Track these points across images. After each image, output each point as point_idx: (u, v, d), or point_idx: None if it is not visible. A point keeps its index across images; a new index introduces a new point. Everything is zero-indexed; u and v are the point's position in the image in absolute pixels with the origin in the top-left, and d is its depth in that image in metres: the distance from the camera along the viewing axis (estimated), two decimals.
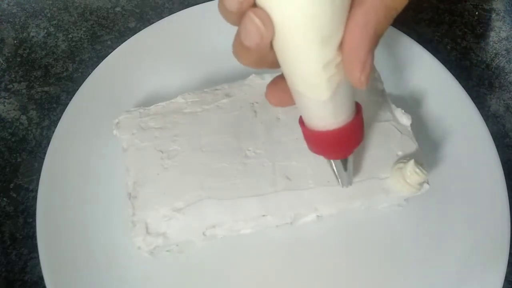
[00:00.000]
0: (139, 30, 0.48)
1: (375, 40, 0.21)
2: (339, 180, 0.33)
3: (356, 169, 0.36)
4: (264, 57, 0.22)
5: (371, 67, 0.21)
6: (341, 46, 0.21)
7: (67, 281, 0.36)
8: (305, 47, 0.21)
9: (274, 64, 0.23)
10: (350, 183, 0.34)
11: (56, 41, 0.52)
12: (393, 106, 0.40)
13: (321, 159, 0.37)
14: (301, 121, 0.28)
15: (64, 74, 0.49)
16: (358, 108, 0.28)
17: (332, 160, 0.31)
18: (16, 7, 0.54)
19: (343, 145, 0.28)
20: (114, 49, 0.46)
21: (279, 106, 0.27)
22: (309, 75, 0.22)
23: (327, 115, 0.25)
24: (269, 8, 0.20)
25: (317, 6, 0.19)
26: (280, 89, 0.25)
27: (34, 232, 0.38)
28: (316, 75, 0.22)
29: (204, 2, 0.49)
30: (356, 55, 0.21)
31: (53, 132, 0.42)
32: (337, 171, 0.32)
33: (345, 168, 0.32)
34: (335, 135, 0.26)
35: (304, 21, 0.20)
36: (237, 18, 0.21)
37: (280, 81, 0.25)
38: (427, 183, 0.36)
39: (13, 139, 0.46)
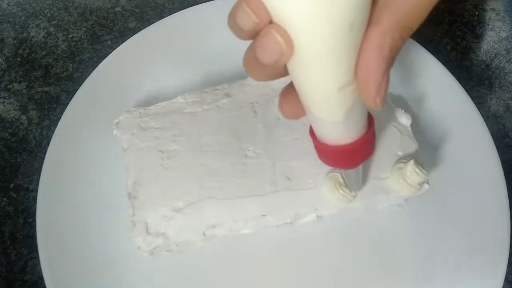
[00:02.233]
0: (139, 30, 0.48)
1: (390, 61, 0.21)
2: (349, 186, 0.33)
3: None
4: (278, 73, 0.22)
5: (386, 88, 0.21)
6: (356, 68, 0.21)
7: (67, 281, 0.36)
8: (321, 71, 0.20)
9: (285, 74, 0.22)
10: (359, 188, 0.34)
11: (56, 41, 0.52)
12: (393, 106, 0.40)
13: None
14: (312, 133, 0.27)
15: (64, 74, 0.49)
16: (370, 121, 0.27)
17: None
18: (16, 7, 0.54)
19: (354, 158, 0.28)
20: (114, 49, 0.46)
21: (292, 118, 0.26)
22: (323, 97, 0.22)
23: (339, 133, 0.25)
24: (291, 30, 0.19)
25: (339, 37, 0.19)
26: (293, 100, 0.24)
27: (34, 232, 0.38)
28: (331, 97, 0.22)
29: (204, 2, 0.49)
30: (371, 77, 0.20)
31: (53, 132, 0.42)
32: (347, 178, 0.32)
33: (355, 176, 0.32)
34: (346, 150, 0.26)
35: (324, 49, 0.19)
36: (248, 35, 0.20)
37: (292, 91, 0.24)
38: (427, 183, 0.36)
39: (13, 139, 0.46)
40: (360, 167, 0.31)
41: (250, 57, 0.21)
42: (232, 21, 0.20)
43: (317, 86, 0.21)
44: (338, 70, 0.20)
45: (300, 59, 0.20)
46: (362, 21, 0.19)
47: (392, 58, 0.21)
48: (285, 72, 0.22)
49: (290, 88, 0.24)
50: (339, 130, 0.25)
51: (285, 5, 0.18)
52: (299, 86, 0.22)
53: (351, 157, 0.27)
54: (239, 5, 0.19)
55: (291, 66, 0.21)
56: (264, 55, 0.20)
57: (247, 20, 0.19)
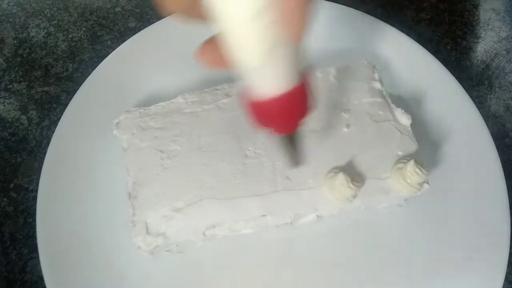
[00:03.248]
0: (139, 30, 0.48)
1: None
2: (287, 159, 0.30)
3: (356, 169, 0.36)
4: (191, 5, 0.20)
5: (309, 15, 0.19)
6: None
7: (67, 281, 0.36)
8: None
9: (204, 17, 0.20)
10: (298, 163, 0.31)
11: (56, 41, 0.52)
12: (393, 106, 0.40)
13: (320, 160, 0.37)
14: (241, 95, 0.25)
15: (64, 74, 0.49)
16: (305, 75, 0.24)
17: (281, 136, 0.28)
18: (16, 7, 0.54)
19: (285, 115, 0.25)
20: (114, 49, 0.46)
21: (211, 66, 0.24)
22: (239, 28, 0.20)
23: (263, 81, 0.23)
24: None
25: None
26: (214, 49, 0.22)
27: (34, 232, 0.38)
28: (246, 29, 0.20)
29: None
30: (293, 3, 0.18)
31: (53, 132, 0.42)
32: (284, 148, 0.29)
33: (292, 145, 0.29)
34: (275, 103, 0.24)
35: None
36: None
37: (215, 40, 0.22)
38: (427, 183, 0.36)
39: (13, 139, 0.46)
40: (299, 136, 0.28)
41: None
42: None
43: (231, 12, 0.19)
44: None
45: None
46: None
47: None
48: (199, 14, 0.20)
49: (214, 38, 0.23)
50: (263, 78, 0.23)
51: None
52: (216, 16, 0.20)
53: (281, 114, 0.25)
54: None
55: None
56: None
57: None
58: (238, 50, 0.21)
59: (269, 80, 0.23)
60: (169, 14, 0.20)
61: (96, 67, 0.45)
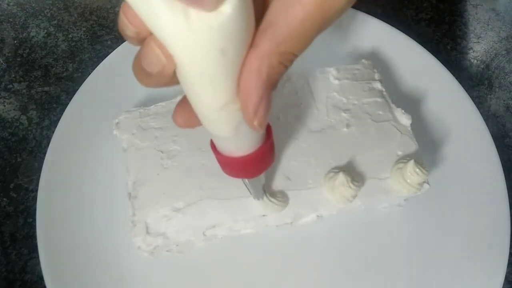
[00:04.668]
0: None
1: (270, 85, 0.20)
2: (252, 194, 0.33)
3: (356, 169, 0.36)
4: (166, 82, 0.21)
5: (265, 111, 0.21)
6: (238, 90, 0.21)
7: (67, 281, 0.36)
8: (201, 89, 0.20)
9: (177, 83, 0.22)
10: (262, 196, 0.34)
11: (56, 41, 0.52)
12: (393, 106, 0.40)
13: (320, 160, 0.37)
14: (212, 144, 0.28)
15: (64, 74, 0.49)
16: (268, 132, 0.27)
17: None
18: (16, 7, 0.54)
19: (251, 169, 0.28)
20: (114, 49, 0.46)
21: (186, 127, 0.26)
22: (207, 113, 0.22)
23: (232, 147, 0.25)
24: (166, 47, 0.18)
25: (210, 61, 0.18)
26: (188, 110, 0.24)
27: (34, 232, 0.38)
28: (214, 114, 0.22)
29: None
30: (249, 100, 0.20)
31: (53, 132, 0.42)
32: (250, 186, 0.32)
33: (257, 185, 0.32)
34: (242, 161, 0.26)
35: (197, 70, 0.19)
36: (136, 41, 0.20)
37: (187, 101, 0.24)
38: (427, 183, 0.36)
39: (13, 139, 0.46)
40: (263, 176, 0.31)
41: (137, 64, 0.20)
42: (119, 27, 0.19)
43: (200, 102, 0.21)
44: (216, 90, 0.20)
45: (182, 73, 0.20)
46: (239, 47, 0.19)
47: (271, 83, 0.21)
48: (176, 80, 0.21)
49: (186, 99, 0.24)
50: (232, 144, 0.25)
51: (152, 25, 0.18)
52: (188, 98, 0.22)
53: (248, 168, 0.28)
54: (120, 11, 0.19)
55: (179, 77, 0.20)
56: (147, 64, 0.19)
57: (127, 27, 0.19)
58: (207, 124, 0.23)
59: (236, 146, 0.25)
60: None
61: (96, 67, 0.45)
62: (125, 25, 0.19)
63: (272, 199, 0.34)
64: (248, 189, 0.32)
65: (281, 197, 0.35)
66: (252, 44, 0.19)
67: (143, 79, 0.21)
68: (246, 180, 0.31)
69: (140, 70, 0.20)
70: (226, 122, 0.22)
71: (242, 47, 0.19)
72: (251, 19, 0.19)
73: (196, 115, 0.23)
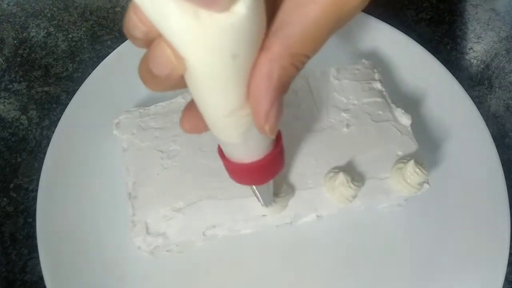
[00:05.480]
0: None
1: (281, 89, 0.20)
2: (261, 201, 0.33)
3: (356, 169, 0.36)
4: (173, 85, 0.20)
5: (277, 116, 0.20)
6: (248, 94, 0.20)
7: (67, 281, 0.36)
8: (210, 93, 0.20)
9: (184, 87, 0.21)
10: (271, 202, 0.33)
11: (56, 41, 0.52)
12: (393, 106, 0.40)
13: (320, 160, 0.37)
14: (220, 150, 0.27)
15: (64, 74, 0.49)
16: (278, 138, 0.26)
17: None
18: (16, 7, 0.54)
19: (260, 176, 0.28)
20: (114, 49, 0.46)
21: (193, 133, 0.25)
22: (215, 118, 0.21)
23: (241, 153, 0.25)
24: (176, 48, 0.18)
25: (221, 65, 0.18)
26: (195, 115, 0.23)
27: (34, 232, 0.38)
28: (223, 120, 0.21)
29: None
30: (259, 105, 0.20)
31: (53, 132, 0.42)
32: (258, 193, 0.31)
33: (266, 191, 0.31)
34: (251, 168, 0.25)
35: (207, 74, 0.18)
36: (143, 43, 0.19)
37: (195, 106, 0.23)
38: (427, 183, 0.36)
39: (13, 139, 0.46)
40: (271, 183, 0.31)
41: (144, 66, 0.20)
42: (125, 27, 0.19)
43: (209, 107, 0.21)
44: (226, 95, 0.20)
45: (191, 77, 0.19)
46: (249, 52, 0.18)
47: (283, 86, 0.20)
48: (183, 84, 0.20)
49: (193, 103, 0.23)
50: (240, 150, 0.24)
51: (162, 27, 0.17)
52: (196, 102, 0.21)
53: (257, 175, 0.27)
54: (128, 11, 0.18)
55: (187, 81, 0.20)
56: (155, 67, 0.19)
57: (136, 28, 0.18)
58: (217, 131, 0.23)
59: (244, 153, 0.25)
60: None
61: (96, 67, 0.45)
62: (134, 25, 0.18)
63: (277, 199, 0.34)
64: (256, 196, 0.32)
65: (284, 194, 0.34)
66: (262, 46, 0.19)
67: (149, 82, 0.20)
68: (254, 187, 0.30)
69: (147, 73, 0.20)
70: (235, 128, 0.22)
71: (253, 50, 0.19)
72: (263, 20, 0.18)
73: (203, 121, 0.22)
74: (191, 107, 0.24)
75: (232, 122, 0.21)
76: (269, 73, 0.19)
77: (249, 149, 0.24)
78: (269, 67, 0.19)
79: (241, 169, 0.26)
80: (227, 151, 0.26)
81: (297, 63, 0.20)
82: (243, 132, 0.22)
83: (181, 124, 0.25)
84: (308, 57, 0.20)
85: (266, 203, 0.33)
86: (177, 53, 0.18)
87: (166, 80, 0.19)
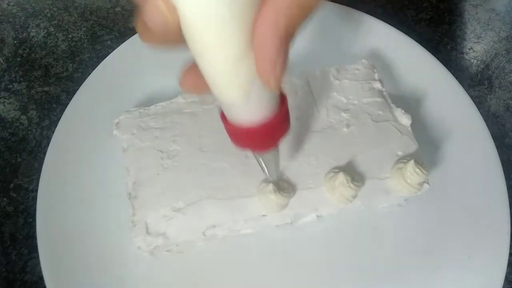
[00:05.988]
0: None
1: (287, 38, 0.19)
2: (266, 172, 0.31)
3: (356, 169, 0.36)
4: (171, 40, 0.20)
5: (282, 67, 0.19)
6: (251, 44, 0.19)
7: (67, 281, 0.36)
8: (208, 45, 0.19)
9: (181, 43, 0.20)
10: (278, 175, 0.32)
11: (56, 41, 0.52)
12: (393, 106, 0.40)
13: (320, 160, 0.37)
14: (222, 115, 0.26)
15: (64, 74, 0.49)
16: (283, 100, 0.25)
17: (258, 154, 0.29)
18: (16, 7, 0.54)
19: (265, 139, 0.26)
20: (114, 49, 0.46)
21: (193, 92, 0.24)
22: (217, 74, 0.21)
23: (243, 115, 0.24)
24: None
25: (215, 7, 0.17)
26: (196, 75, 0.22)
27: (34, 232, 0.38)
28: (225, 76, 0.20)
29: None
30: (265, 53, 0.19)
31: (53, 132, 0.42)
32: (263, 163, 0.30)
33: (272, 161, 0.30)
34: (255, 131, 0.24)
35: (203, 22, 0.18)
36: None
37: (194, 67, 0.22)
38: (427, 183, 0.36)
39: (13, 139, 0.46)
40: (277, 152, 0.29)
41: (139, 19, 0.19)
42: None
43: (209, 61, 0.20)
44: (226, 44, 0.19)
45: (187, 29, 0.19)
46: None
47: (288, 35, 0.19)
48: (180, 40, 0.20)
49: (195, 64, 0.22)
50: (243, 111, 0.23)
51: None
52: (197, 60, 0.21)
53: (261, 139, 0.26)
54: None
55: (185, 37, 0.19)
56: (148, 19, 0.18)
57: None
58: (218, 88, 0.22)
59: (248, 113, 0.23)
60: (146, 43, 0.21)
61: (96, 67, 0.45)
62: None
63: (279, 193, 0.33)
64: (262, 167, 0.30)
65: (286, 191, 0.34)
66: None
67: (144, 35, 0.20)
68: (260, 159, 0.29)
69: (142, 26, 0.19)
70: (238, 85, 0.21)
71: None
72: None
73: (204, 80, 0.22)
74: (192, 67, 0.23)
75: (234, 78, 0.20)
76: (274, 21, 0.19)
77: (253, 110, 0.23)
78: (274, 16, 0.18)
79: (244, 133, 0.25)
80: (229, 114, 0.25)
81: (301, 14, 0.19)
82: (246, 90, 0.21)
83: (180, 83, 0.24)
84: (312, 8, 0.20)
85: (272, 175, 0.32)
86: (169, 3, 0.18)
87: (162, 33, 0.19)
